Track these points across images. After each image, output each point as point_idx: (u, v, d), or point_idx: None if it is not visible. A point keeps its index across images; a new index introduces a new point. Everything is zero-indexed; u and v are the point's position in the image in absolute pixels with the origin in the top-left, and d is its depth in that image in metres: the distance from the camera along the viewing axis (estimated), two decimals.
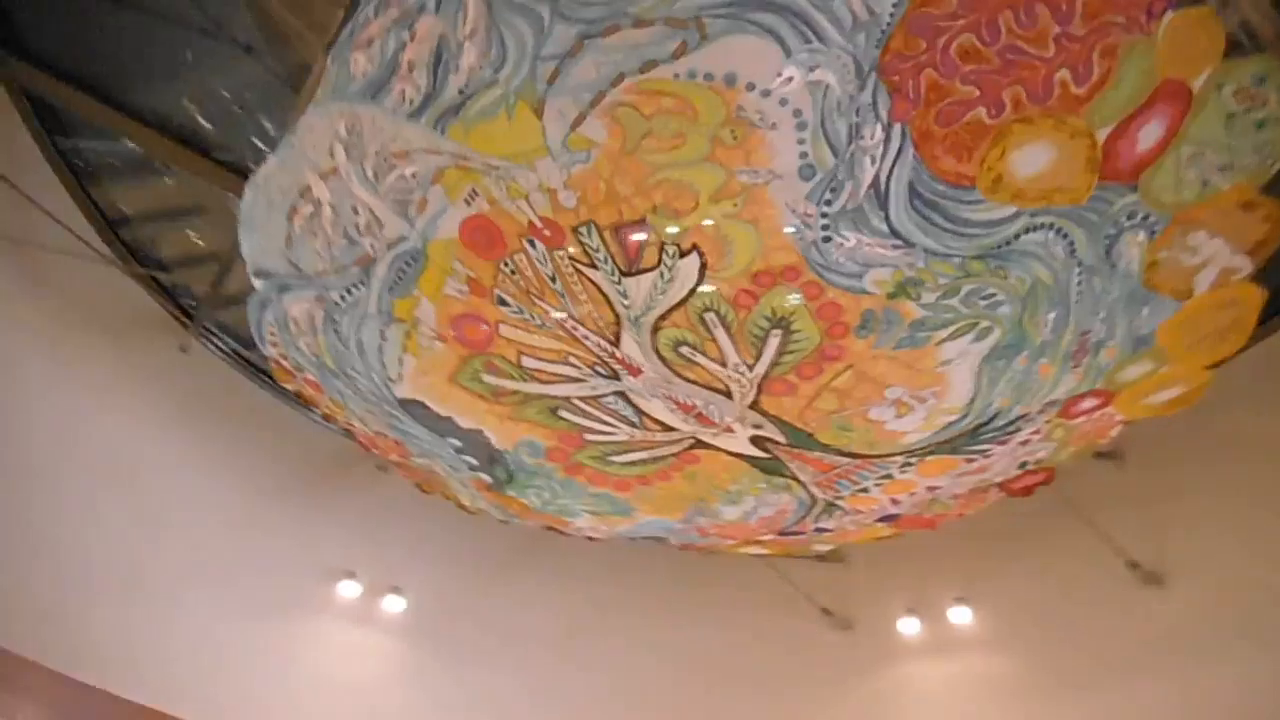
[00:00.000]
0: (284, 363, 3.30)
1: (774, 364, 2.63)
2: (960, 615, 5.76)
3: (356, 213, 2.64)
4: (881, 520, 3.61)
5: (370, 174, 2.51)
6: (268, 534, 5.74)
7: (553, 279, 2.57)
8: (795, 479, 3.26)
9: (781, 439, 2.99)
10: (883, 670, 6.11)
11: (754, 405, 2.83)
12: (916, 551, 5.68)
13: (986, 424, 2.90)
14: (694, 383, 2.78)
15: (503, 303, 2.71)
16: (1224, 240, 2.37)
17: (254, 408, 5.49)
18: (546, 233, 2.44)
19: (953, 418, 2.82)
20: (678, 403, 2.90)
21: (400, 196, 2.54)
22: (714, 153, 2.14)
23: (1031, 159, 2.12)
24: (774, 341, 2.56)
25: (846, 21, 1.93)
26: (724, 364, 2.67)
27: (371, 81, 2.33)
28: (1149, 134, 2.10)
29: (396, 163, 2.46)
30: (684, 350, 2.65)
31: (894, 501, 3.39)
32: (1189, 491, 5.10)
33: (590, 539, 4.42)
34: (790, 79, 1.99)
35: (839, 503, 3.44)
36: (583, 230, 2.38)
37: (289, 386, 3.48)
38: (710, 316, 2.52)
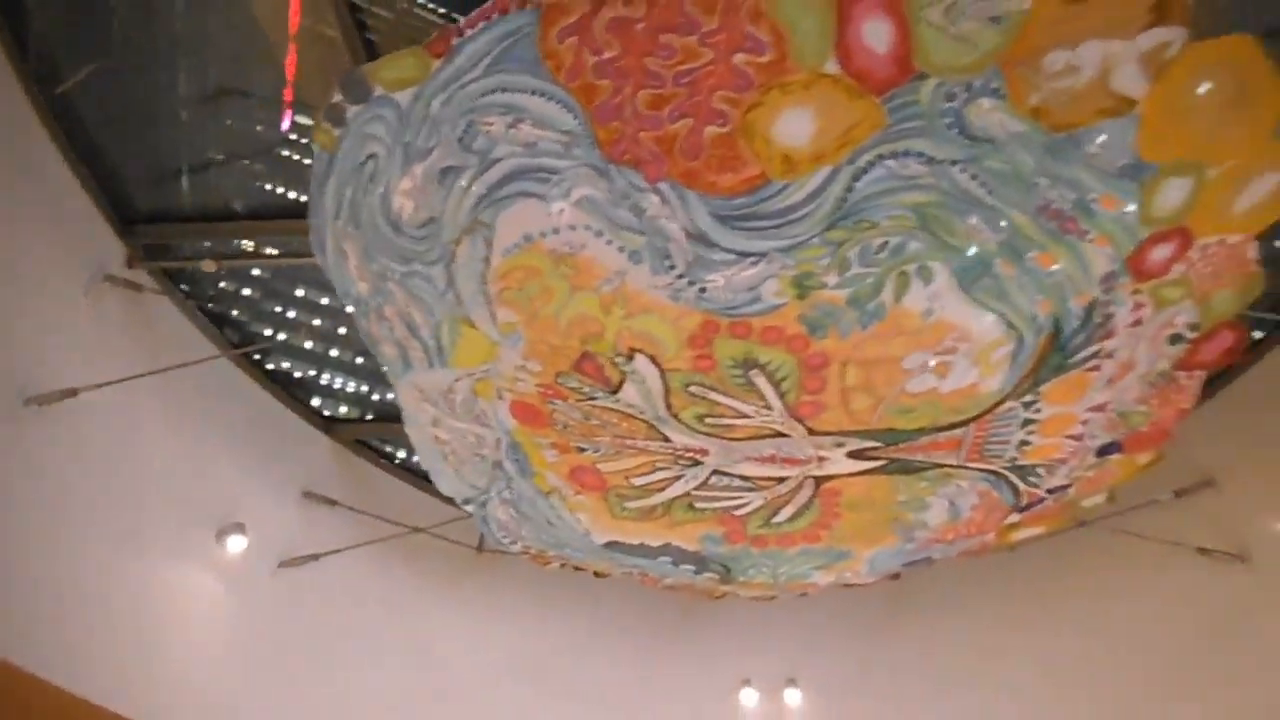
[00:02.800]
0: (531, 552, 4.13)
1: (781, 395, 2.70)
2: None
3: (465, 437, 3.43)
4: (1102, 453, 3.12)
5: (449, 409, 3.29)
6: (656, 670, 6.48)
7: (587, 418, 3.03)
8: (942, 465, 3.07)
9: (876, 443, 2.91)
10: None
11: (813, 433, 2.86)
12: None
13: (1059, 333, 2.53)
14: (749, 439, 2.93)
15: (582, 449, 3.22)
16: (1098, 39, 1.97)
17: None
18: (550, 392, 2.94)
19: (1010, 346, 2.53)
20: (759, 459, 3.04)
21: (474, 414, 3.26)
22: (574, 286, 2.51)
23: (796, 126, 2.10)
24: (760, 380, 2.66)
25: (559, 150, 2.24)
26: (747, 416, 2.81)
27: (400, 359, 3.15)
28: (876, 33, 1.95)
29: (452, 395, 3.21)
30: (709, 421, 2.86)
31: (1074, 439, 2.96)
32: None
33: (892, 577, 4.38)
34: (562, 211, 2.33)
35: (1022, 463, 3.10)
36: (562, 379, 2.84)
37: (552, 567, 4.29)
38: (695, 389, 2.73)
